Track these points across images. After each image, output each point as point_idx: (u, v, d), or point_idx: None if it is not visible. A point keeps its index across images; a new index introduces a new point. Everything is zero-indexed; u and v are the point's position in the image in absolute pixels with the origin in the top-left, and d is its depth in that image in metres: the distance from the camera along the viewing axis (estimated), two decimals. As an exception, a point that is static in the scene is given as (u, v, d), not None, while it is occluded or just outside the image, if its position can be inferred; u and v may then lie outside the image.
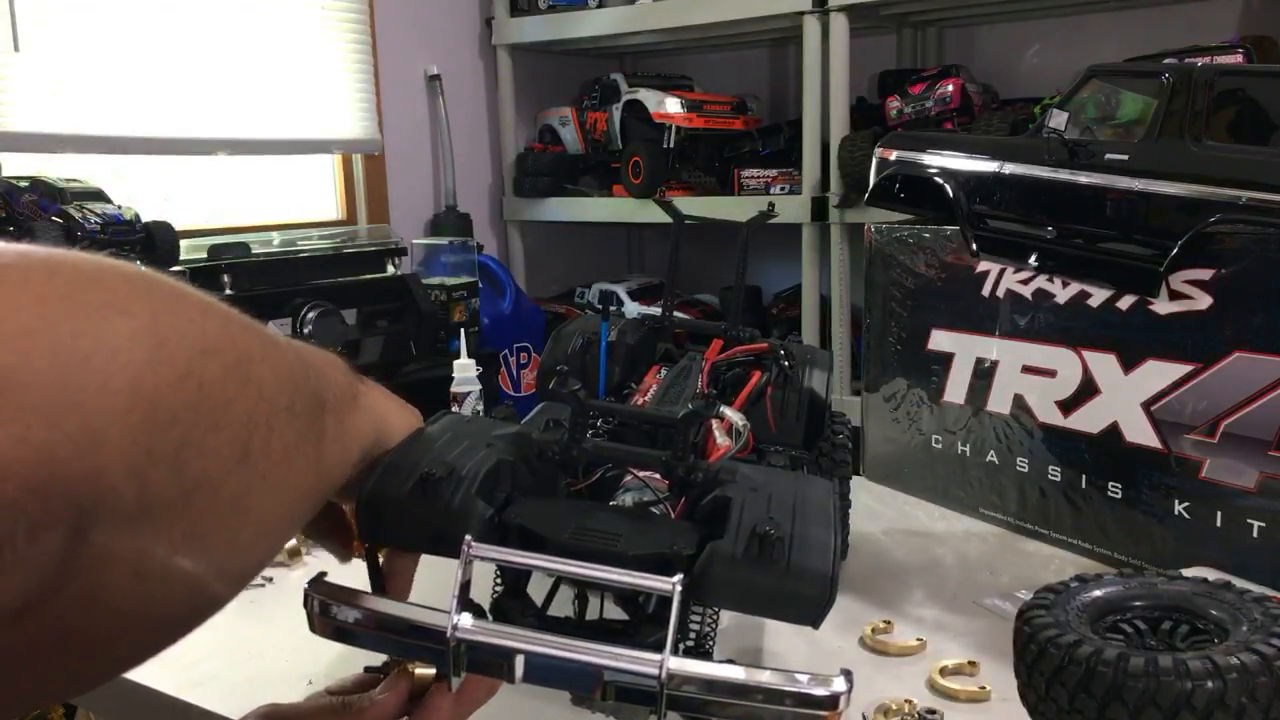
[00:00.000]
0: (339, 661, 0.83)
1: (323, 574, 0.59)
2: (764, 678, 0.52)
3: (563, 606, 0.65)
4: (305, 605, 0.57)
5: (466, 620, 0.53)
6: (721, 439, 0.78)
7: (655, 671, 0.51)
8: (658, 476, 0.67)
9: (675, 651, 0.52)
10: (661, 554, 0.57)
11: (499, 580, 0.62)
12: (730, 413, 0.82)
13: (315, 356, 0.52)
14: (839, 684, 0.52)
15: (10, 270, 0.35)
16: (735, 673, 0.52)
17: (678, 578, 0.53)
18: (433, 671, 0.63)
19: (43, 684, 0.39)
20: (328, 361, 0.53)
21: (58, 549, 0.33)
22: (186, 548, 0.39)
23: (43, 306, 0.34)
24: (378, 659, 0.67)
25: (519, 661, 0.53)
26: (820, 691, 0.51)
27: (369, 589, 0.62)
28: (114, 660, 0.41)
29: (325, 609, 0.57)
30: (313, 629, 0.58)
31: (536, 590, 0.62)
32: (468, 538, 0.54)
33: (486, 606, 0.60)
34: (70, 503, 0.33)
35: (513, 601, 0.60)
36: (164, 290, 0.40)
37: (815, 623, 0.55)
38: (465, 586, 0.54)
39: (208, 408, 0.39)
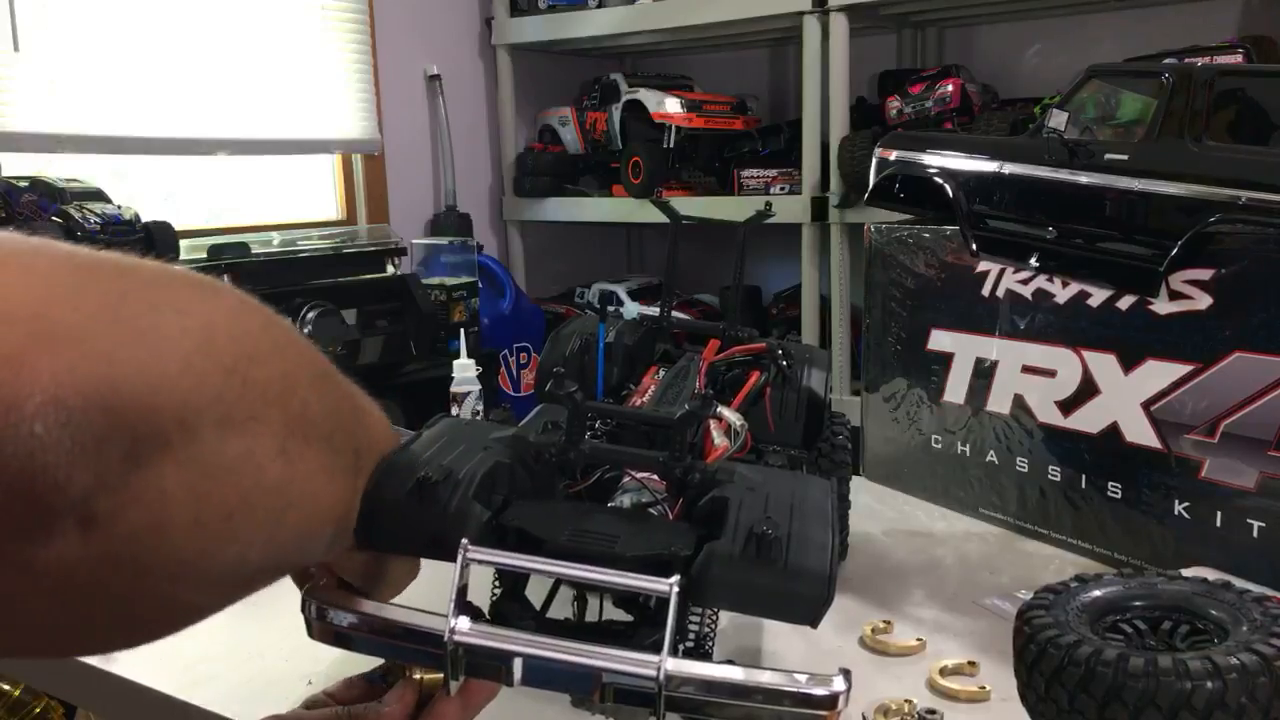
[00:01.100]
0: (339, 662, 0.83)
1: (320, 579, 0.59)
2: (763, 678, 0.52)
3: (564, 608, 0.65)
4: (303, 610, 0.57)
5: (464, 624, 0.53)
6: (719, 439, 0.78)
7: (653, 673, 0.51)
8: (656, 478, 0.67)
9: (674, 652, 0.52)
10: (659, 555, 0.56)
11: (498, 583, 0.62)
12: (728, 413, 0.82)
13: (367, 405, 0.57)
14: (838, 684, 0.52)
15: (84, 262, 0.43)
16: (734, 673, 0.52)
17: (674, 579, 0.53)
18: (439, 677, 0.63)
19: (112, 613, 0.44)
20: (376, 417, 0.58)
21: (118, 463, 0.40)
22: (241, 514, 0.45)
23: (107, 296, 0.42)
24: (376, 663, 0.67)
25: (517, 664, 0.53)
26: (819, 691, 0.51)
27: None
28: (172, 609, 0.47)
29: (323, 614, 0.57)
30: (311, 634, 0.58)
31: (537, 592, 0.62)
32: (464, 541, 0.54)
33: (487, 609, 0.60)
34: (127, 426, 0.40)
35: (511, 604, 0.60)
36: (226, 302, 0.47)
37: (813, 622, 0.55)
38: (463, 590, 0.54)
39: (250, 400, 0.45)
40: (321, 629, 0.57)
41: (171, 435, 0.42)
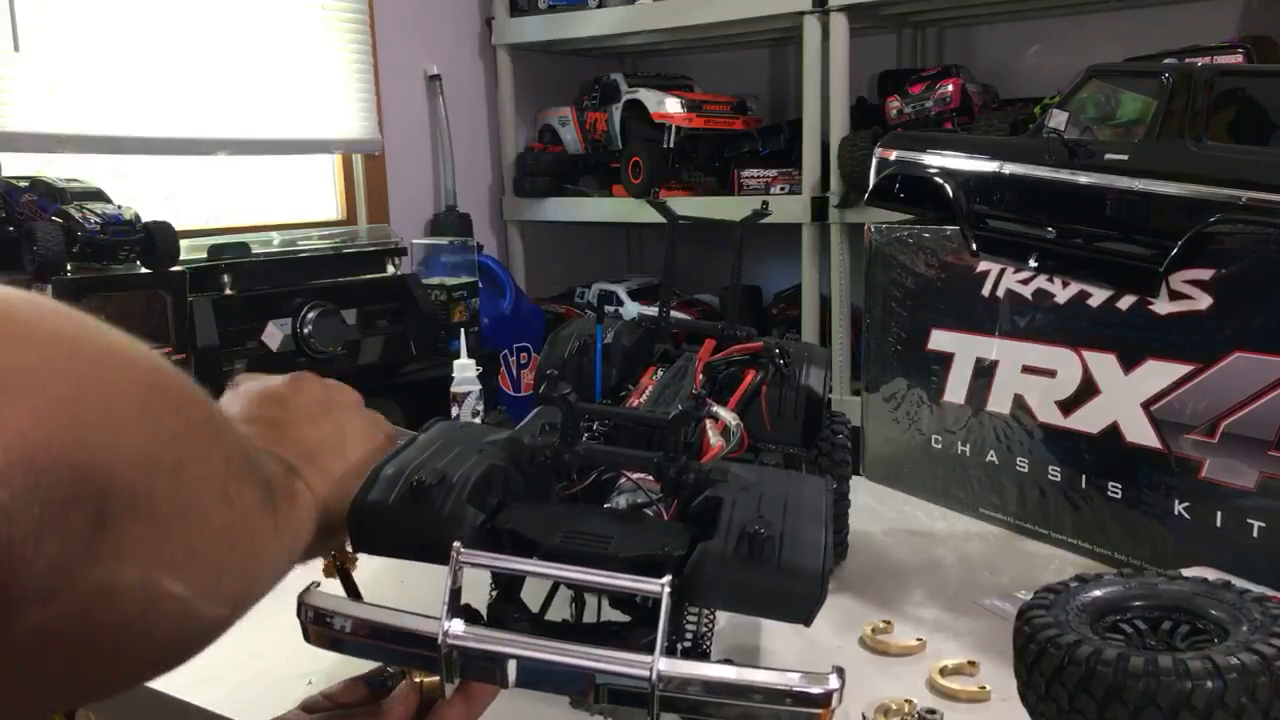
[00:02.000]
0: (339, 663, 0.82)
1: (315, 584, 0.59)
2: (756, 677, 0.52)
3: (563, 609, 0.65)
4: (299, 615, 0.57)
5: (458, 626, 0.53)
6: (715, 439, 0.78)
7: (645, 673, 0.51)
8: (651, 478, 0.67)
9: (671, 652, 0.52)
10: (652, 556, 0.57)
11: (494, 585, 0.62)
12: (724, 412, 0.82)
13: (252, 439, 0.54)
14: (832, 681, 0.52)
15: (30, 303, 0.38)
16: (727, 672, 0.52)
17: (666, 579, 0.53)
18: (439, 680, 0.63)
19: (55, 685, 0.40)
20: (264, 453, 0.55)
21: (85, 528, 0.35)
22: (187, 564, 0.42)
23: (60, 333, 0.38)
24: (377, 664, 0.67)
25: (511, 666, 0.53)
26: (813, 689, 0.52)
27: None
28: (118, 672, 0.42)
29: (318, 618, 0.57)
30: (307, 639, 0.58)
31: (537, 594, 0.62)
32: (456, 544, 0.55)
33: (485, 611, 0.60)
34: (97, 487, 0.36)
35: (506, 606, 0.60)
36: (148, 348, 0.43)
37: (807, 621, 0.55)
38: (456, 593, 0.54)
39: (195, 439, 0.42)
40: (317, 633, 0.57)
41: (137, 488, 0.38)
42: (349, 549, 0.68)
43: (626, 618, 0.61)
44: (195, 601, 0.43)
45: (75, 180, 2.04)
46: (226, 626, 0.48)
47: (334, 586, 0.62)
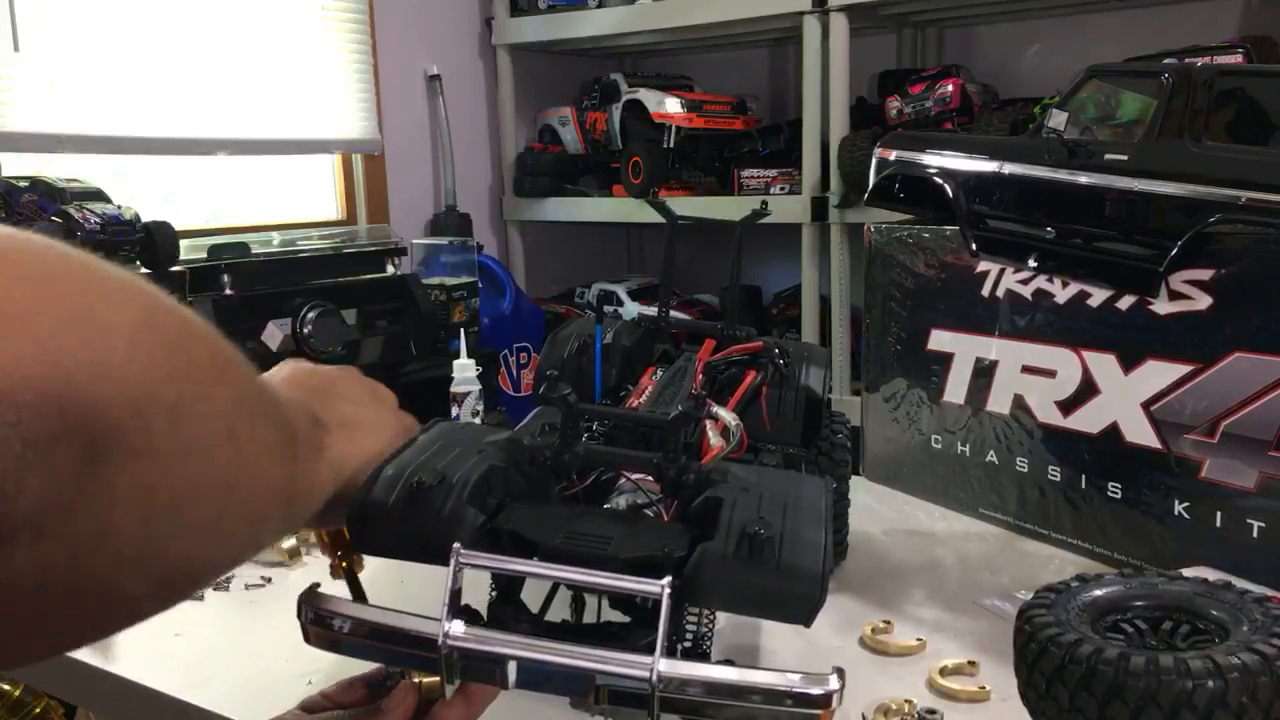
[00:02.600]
0: (339, 663, 0.82)
1: (315, 585, 0.59)
2: (756, 678, 0.52)
3: (563, 610, 0.65)
4: (299, 617, 0.57)
5: (458, 627, 0.53)
6: (715, 439, 0.78)
7: (645, 674, 0.51)
8: (651, 479, 0.67)
9: (671, 653, 0.52)
10: (652, 556, 0.57)
11: (494, 586, 0.62)
12: (723, 413, 0.82)
13: (285, 392, 0.54)
14: (832, 682, 0.52)
15: (17, 243, 0.38)
16: (727, 673, 0.52)
17: (666, 580, 0.53)
18: (438, 681, 0.63)
19: (50, 624, 0.40)
20: (294, 403, 0.54)
21: (72, 466, 0.35)
22: (188, 505, 0.41)
23: (42, 268, 0.37)
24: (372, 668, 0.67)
25: (511, 667, 0.53)
26: (813, 690, 0.52)
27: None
28: (114, 612, 0.42)
29: (318, 620, 0.57)
30: (307, 640, 0.58)
31: (537, 594, 0.62)
32: (456, 545, 0.55)
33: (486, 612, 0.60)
34: (82, 423, 0.35)
35: (506, 607, 0.60)
36: (148, 285, 0.42)
37: (807, 621, 0.55)
38: (456, 594, 0.54)
39: (197, 379, 0.42)
40: (317, 634, 0.57)
41: (127, 427, 0.37)
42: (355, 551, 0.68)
43: (627, 618, 0.61)
44: (197, 543, 0.43)
45: (75, 180, 2.03)
46: (232, 567, 0.48)
47: (336, 588, 0.62)
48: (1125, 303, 1.13)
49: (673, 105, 2.85)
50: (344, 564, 0.70)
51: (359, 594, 0.69)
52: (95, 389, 0.36)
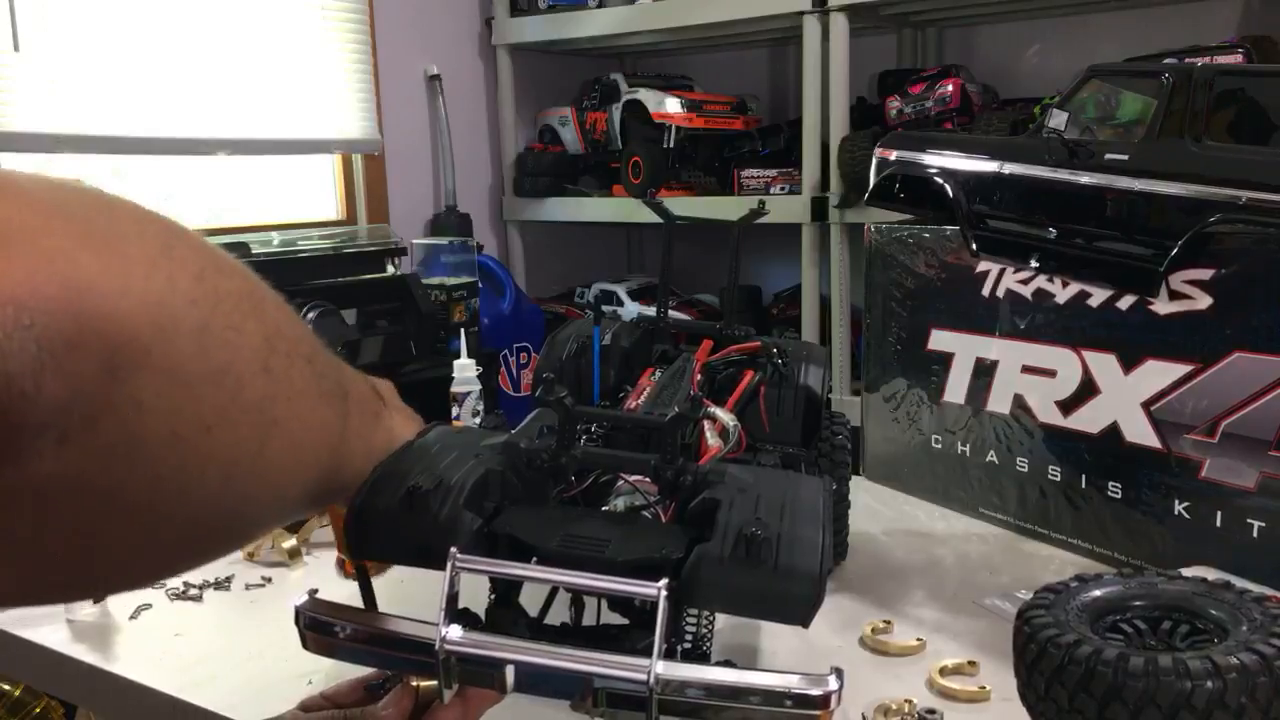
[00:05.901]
0: (339, 664, 0.83)
1: (313, 591, 0.59)
2: (755, 679, 0.52)
3: (562, 612, 0.65)
4: (296, 623, 0.57)
5: (455, 632, 0.53)
6: (713, 440, 0.78)
7: (643, 677, 0.51)
8: (649, 480, 0.67)
9: (670, 655, 0.52)
10: (649, 559, 0.56)
11: (493, 589, 0.62)
12: (721, 413, 0.82)
13: (341, 362, 0.55)
14: (831, 683, 0.52)
15: (27, 175, 0.40)
16: (726, 675, 0.52)
17: (663, 582, 0.53)
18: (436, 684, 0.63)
19: (105, 540, 0.41)
20: (355, 373, 0.56)
21: (93, 373, 0.37)
22: (221, 429, 0.42)
23: (58, 195, 0.39)
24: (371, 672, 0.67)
25: (509, 671, 0.53)
26: (812, 691, 0.51)
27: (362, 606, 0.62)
28: (160, 537, 0.43)
29: (316, 626, 0.57)
30: (305, 646, 0.58)
31: (536, 597, 0.62)
32: (453, 550, 0.54)
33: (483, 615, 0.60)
34: (100, 332, 0.37)
35: (503, 611, 0.60)
36: (171, 221, 0.44)
37: (805, 622, 0.55)
38: (453, 599, 0.54)
39: (225, 309, 0.43)
40: (315, 640, 0.57)
41: (149, 342, 0.39)
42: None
43: (626, 620, 0.61)
44: (236, 470, 0.44)
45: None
46: (282, 517, 0.49)
47: (336, 589, 0.62)
48: (1125, 303, 1.13)
49: (673, 105, 2.85)
50: (356, 564, 0.69)
51: (369, 594, 0.68)
52: (112, 302, 0.37)
